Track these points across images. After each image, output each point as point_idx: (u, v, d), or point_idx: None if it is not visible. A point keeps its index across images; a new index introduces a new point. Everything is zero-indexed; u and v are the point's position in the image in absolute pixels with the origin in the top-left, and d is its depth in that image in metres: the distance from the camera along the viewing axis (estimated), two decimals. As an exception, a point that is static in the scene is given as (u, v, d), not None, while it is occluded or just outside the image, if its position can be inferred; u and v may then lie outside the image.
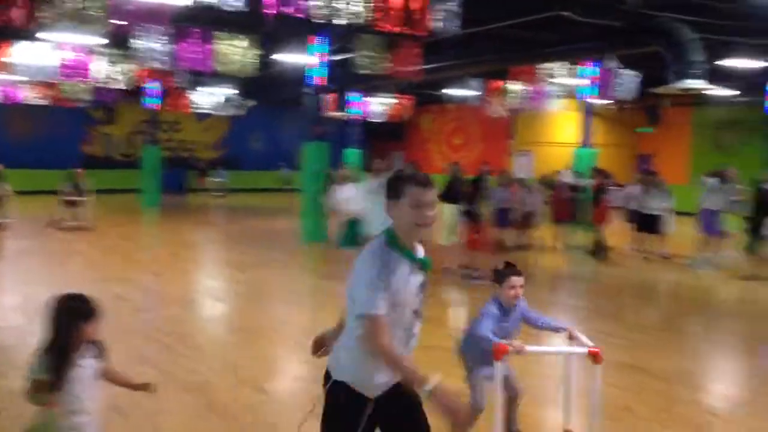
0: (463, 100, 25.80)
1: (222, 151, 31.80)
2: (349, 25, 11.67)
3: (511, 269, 4.34)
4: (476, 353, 4.30)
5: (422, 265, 2.89)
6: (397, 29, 11.54)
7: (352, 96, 22.14)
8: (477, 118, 25.91)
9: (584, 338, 4.02)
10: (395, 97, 24.01)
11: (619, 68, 16.57)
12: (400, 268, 2.78)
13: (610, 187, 14.67)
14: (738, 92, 20.58)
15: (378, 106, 23.80)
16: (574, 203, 14.91)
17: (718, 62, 16.17)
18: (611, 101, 19.22)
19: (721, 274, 12.22)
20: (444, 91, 25.26)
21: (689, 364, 7.12)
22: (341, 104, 20.54)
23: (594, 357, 3.79)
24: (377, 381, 2.88)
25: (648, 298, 10.85)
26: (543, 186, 15.70)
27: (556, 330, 4.37)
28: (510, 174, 15.60)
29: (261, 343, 7.41)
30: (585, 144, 23.71)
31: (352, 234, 10.32)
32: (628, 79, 16.79)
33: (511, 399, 4.48)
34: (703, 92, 13.88)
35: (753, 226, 11.99)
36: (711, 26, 12.72)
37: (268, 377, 6.31)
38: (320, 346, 3.27)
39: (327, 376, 2.98)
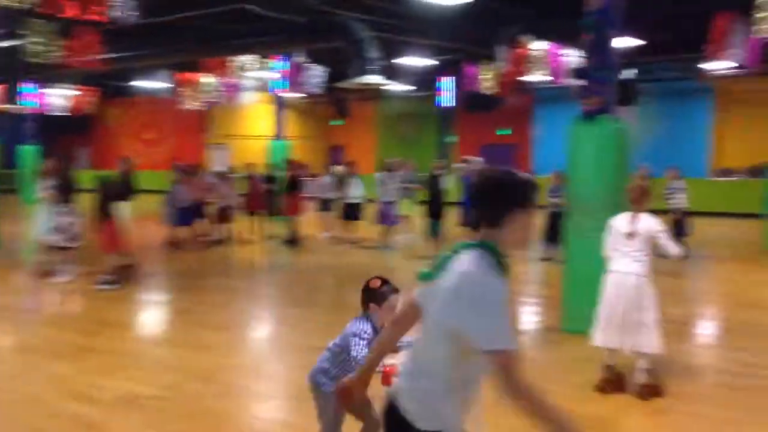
0: (154, 93, 24.88)
1: None
2: (16, 8, 10.61)
3: (390, 287, 3.74)
4: (340, 376, 3.42)
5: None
6: (70, 14, 10.73)
7: (26, 87, 20.12)
8: (170, 112, 25.12)
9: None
10: (77, 89, 22.28)
11: (308, 63, 17.23)
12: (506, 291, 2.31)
13: (304, 178, 15.15)
14: (413, 87, 22.60)
15: (58, 98, 21.91)
16: (269, 195, 15.17)
17: (395, 60, 17.60)
18: (302, 95, 19.88)
19: (403, 255, 13.27)
20: (133, 83, 24.10)
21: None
22: (12, 96, 18.58)
23: (383, 377, 3.08)
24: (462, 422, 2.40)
25: (340, 282, 11.38)
26: (238, 178, 15.72)
27: None
28: (203, 167, 15.32)
29: None
30: (279, 136, 24.31)
31: None
32: (316, 74, 17.55)
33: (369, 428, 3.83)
34: (381, 87, 15.00)
35: (430, 210, 13.14)
36: (387, 26, 13.77)
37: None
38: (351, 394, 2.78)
39: (399, 425, 2.37)
